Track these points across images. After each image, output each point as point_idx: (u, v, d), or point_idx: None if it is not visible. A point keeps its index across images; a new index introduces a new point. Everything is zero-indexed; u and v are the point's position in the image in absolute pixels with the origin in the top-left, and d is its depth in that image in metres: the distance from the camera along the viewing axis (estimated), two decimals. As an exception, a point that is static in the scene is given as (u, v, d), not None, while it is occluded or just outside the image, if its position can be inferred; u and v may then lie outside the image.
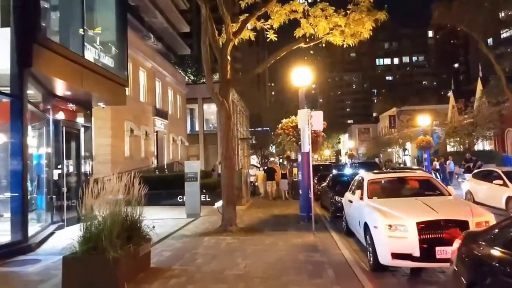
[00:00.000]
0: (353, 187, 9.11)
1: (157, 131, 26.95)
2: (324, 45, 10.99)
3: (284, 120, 10.77)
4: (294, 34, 10.48)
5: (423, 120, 26.14)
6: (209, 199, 15.18)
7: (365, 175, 8.27)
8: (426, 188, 7.61)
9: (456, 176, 20.59)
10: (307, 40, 10.41)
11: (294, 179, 18.06)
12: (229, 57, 10.10)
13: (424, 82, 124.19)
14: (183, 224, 11.08)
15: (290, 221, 11.43)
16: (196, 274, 6.02)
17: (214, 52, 10.40)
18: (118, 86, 13.11)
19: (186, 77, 41.82)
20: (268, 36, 10.75)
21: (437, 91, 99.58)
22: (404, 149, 45.47)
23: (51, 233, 9.81)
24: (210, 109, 39.29)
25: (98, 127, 19.97)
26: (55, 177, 10.69)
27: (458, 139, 32.20)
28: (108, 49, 12.66)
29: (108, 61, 12.42)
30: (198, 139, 37.77)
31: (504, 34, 72.43)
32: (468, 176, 20.49)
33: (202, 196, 15.10)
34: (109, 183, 6.09)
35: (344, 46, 10.60)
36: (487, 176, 12.38)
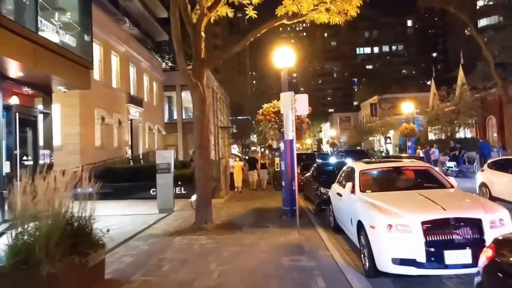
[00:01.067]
0: (342, 179, 8.21)
1: (131, 119, 25.53)
2: (308, 24, 9.97)
3: (265, 105, 9.76)
4: (276, 13, 9.44)
5: (406, 107, 25.58)
6: (184, 192, 14.12)
7: (356, 165, 7.36)
8: (425, 180, 6.76)
9: (441, 164, 20.10)
10: (290, 16, 9.36)
11: (276, 169, 17.14)
12: (203, 34, 8.97)
13: (403, 71, 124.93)
14: (153, 221, 10.01)
15: (272, 215, 10.50)
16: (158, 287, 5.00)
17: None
18: (81, 68, 11.78)
19: (163, 63, 40.20)
20: (247, 13, 9.64)
21: (416, 79, 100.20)
22: (386, 137, 45.23)
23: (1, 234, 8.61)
24: (189, 97, 37.53)
25: (66, 115, 18.54)
26: (7, 170, 9.43)
27: (439, 127, 31.93)
28: (69, 27, 11.31)
29: (69, 40, 11.08)
30: (177, 128, 36.39)
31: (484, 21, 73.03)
32: (452, 164, 20.05)
33: (177, 188, 14.06)
34: (53, 176, 4.92)
35: (331, 23, 9.57)
36: (507, 166, 10.38)
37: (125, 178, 16.93)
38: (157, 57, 38.15)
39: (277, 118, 9.46)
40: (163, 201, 11.50)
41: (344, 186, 7.71)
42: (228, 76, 62.01)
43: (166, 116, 38.50)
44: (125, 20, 37.43)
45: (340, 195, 7.36)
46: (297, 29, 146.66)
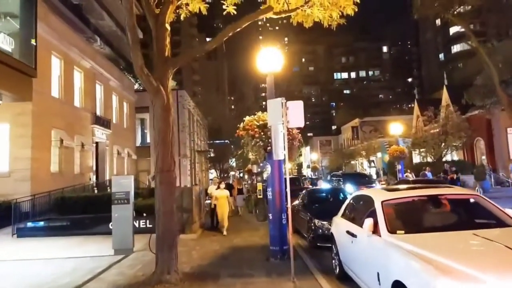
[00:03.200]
0: (350, 211, 6.25)
1: (97, 142, 23.10)
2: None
3: (247, 118, 7.78)
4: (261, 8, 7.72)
5: (395, 128, 24.18)
6: (150, 226, 11.77)
7: (374, 194, 5.40)
8: (475, 213, 4.87)
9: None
10: (277, 11, 7.59)
11: (258, 196, 15.08)
12: (168, 26, 7.04)
13: (380, 96, 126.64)
14: (102, 267, 7.70)
15: (257, 256, 8.35)
16: None
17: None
18: (21, 76, 9.63)
19: (136, 83, 38.04)
20: (226, 8, 7.80)
21: (393, 104, 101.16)
22: (370, 161, 43.92)
23: None
24: (164, 119, 35.73)
25: (16, 136, 16.09)
26: None
27: (423, 149, 30.70)
28: (6, 27, 9.21)
29: (4, 41, 8.96)
30: (150, 152, 33.89)
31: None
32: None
33: (141, 222, 11.76)
34: None
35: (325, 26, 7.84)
36: None
37: (81, 209, 14.46)
38: (130, 77, 36.01)
39: (262, 133, 7.44)
40: (119, 239, 9.19)
41: (353, 221, 5.74)
42: (205, 99, 60.18)
43: (138, 139, 36.10)
44: (96, 39, 35.39)
45: (352, 234, 5.35)
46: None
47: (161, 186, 6.56)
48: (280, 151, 6.57)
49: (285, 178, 7.23)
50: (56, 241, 11.68)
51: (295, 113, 6.41)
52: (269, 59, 7.97)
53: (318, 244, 9.01)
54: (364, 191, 6.29)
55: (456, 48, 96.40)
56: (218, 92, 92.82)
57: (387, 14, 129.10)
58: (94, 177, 22.41)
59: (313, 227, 9.22)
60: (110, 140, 24.53)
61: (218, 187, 12.81)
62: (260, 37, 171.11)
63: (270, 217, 7.93)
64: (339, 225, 6.30)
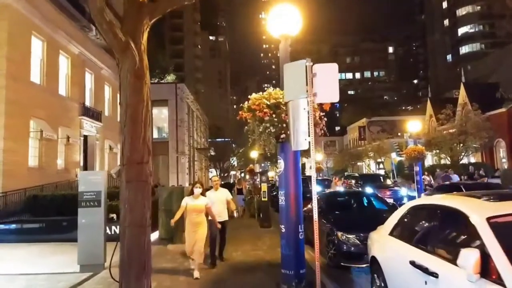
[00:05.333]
0: (411, 230, 4.19)
1: (85, 136, 21.11)
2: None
3: (253, 95, 5.71)
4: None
5: (413, 126, 22.02)
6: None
7: (468, 206, 3.30)
8: None
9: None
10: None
11: (262, 199, 13.03)
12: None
13: (385, 97, 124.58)
14: (55, 294, 5.68)
15: (263, 282, 6.31)
16: None
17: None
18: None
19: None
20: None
21: (397, 105, 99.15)
22: (379, 162, 41.79)
23: None
24: (162, 114, 33.71)
25: (-13, 126, 14.12)
26: None
27: (437, 151, 28.60)
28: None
29: None
30: (146, 148, 31.83)
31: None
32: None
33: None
34: None
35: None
36: None
37: (56, 210, 12.46)
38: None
39: (274, 115, 5.38)
40: (87, 252, 7.15)
41: (419, 246, 3.67)
42: (207, 96, 58.16)
43: (135, 135, 34.08)
44: (91, 28, 33.37)
45: (425, 270, 3.27)
46: (278, 54, 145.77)
47: (128, 185, 4.51)
48: (301, 137, 4.53)
49: (308, 178, 5.19)
50: (22, 249, 9.73)
51: (327, 82, 4.37)
52: (283, 19, 5.92)
53: (341, 264, 6.99)
54: (437, 199, 4.17)
55: (464, 50, 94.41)
56: (221, 89, 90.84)
57: (394, 15, 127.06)
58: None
59: (335, 242, 7.18)
60: (101, 134, 22.53)
61: (192, 193, 6.87)
62: (264, 37, 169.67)
63: (282, 230, 5.88)
64: (389, 248, 4.24)
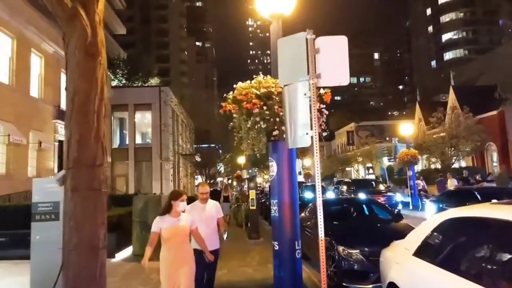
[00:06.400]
0: (447, 250, 3.19)
1: (61, 141, 19.74)
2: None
3: (240, 84, 4.67)
4: None
5: (406, 128, 21.35)
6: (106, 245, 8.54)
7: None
8: None
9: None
10: None
11: (251, 207, 11.97)
12: None
13: (371, 103, 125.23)
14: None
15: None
16: None
17: None
18: None
19: (115, 79, 34.76)
20: None
21: (384, 111, 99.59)
22: (368, 167, 41.15)
23: None
24: (145, 119, 32.42)
25: None
26: None
27: (426, 155, 28.00)
28: None
29: None
30: (128, 155, 30.52)
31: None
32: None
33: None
34: None
35: None
36: None
37: (23, 223, 11.14)
38: (108, 72, 32.71)
39: (265, 107, 4.36)
40: (41, 275, 5.98)
41: (460, 271, 2.68)
42: (194, 101, 56.96)
43: (117, 140, 32.73)
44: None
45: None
46: (265, 61, 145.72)
47: (75, 195, 3.44)
48: (300, 131, 3.52)
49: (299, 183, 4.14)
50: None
51: (334, 59, 3.39)
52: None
53: (343, 284, 5.98)
54: (487, 210, 3.14)
55: (448, 56, 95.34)
56: (207, 94, 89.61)
57: (379, 21, 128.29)
58: (56, 181, 19.02)
59: (335, 257, 6.17)
60: (78, 139, 21.17)
61: (169, 210, 4.27)
62: (251, 43, 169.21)
63: (276, 247, 4.84)
64: (418, 275, 3.24)
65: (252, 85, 4.73)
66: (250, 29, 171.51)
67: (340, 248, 6.15)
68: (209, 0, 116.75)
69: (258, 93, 4.58)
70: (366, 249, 6.05)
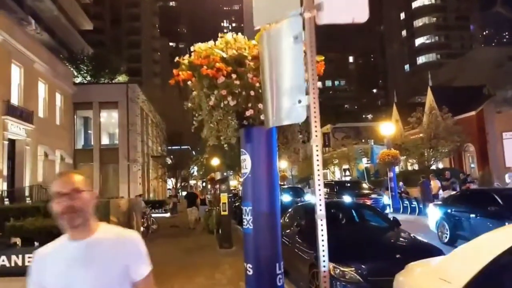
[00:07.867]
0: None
1: (11, 140, 17.77)
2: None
3: (199, 44, 3.36)
4: None
5: (386, 128, 20.50)
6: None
7: None
8: None
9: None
10: None
11: (222, 212, 10.56)
12: None
13: (346, 106, 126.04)
14: None
15: None
16: None
17: None
18: None
19: (79, 76, 32.61)
20: None
21: (358, 114, 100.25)
22: (345, 169, 40.45)
23: None
24: (112, 118, 30.44)
25: None
26: None
27: (404, 157, 27.44)
28: None
29: None
30: (93, 156, 28.47)
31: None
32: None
33: (26, 256, 7.06)
34: None
35: None
36: None
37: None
38: (69, 67, 30.60)
39: (234, 75, 2.98)
40: None
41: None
42: (166, 102, 55.13)
43: (81, 141, 30.61)
44: (30, 21, 29.84)
45: None
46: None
47: None
48: (287, 100, 2.19)
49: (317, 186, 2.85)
50: None
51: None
52: None
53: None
54: None
55: (421, 60, 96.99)
56: (181, 95, 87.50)
57: (354, 25, 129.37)
58: (5, 184, 17.01)
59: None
60: (33, 138, 19.19)
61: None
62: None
63: (249, 272, 3.50)
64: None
65: (217, 45, 3.37)
66: (225, 31, 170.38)
67: (331, 266, 4.87)
68: (183, 1, 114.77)
69: (225, 56, 3.23)
70: (363, 266, 4.84)
